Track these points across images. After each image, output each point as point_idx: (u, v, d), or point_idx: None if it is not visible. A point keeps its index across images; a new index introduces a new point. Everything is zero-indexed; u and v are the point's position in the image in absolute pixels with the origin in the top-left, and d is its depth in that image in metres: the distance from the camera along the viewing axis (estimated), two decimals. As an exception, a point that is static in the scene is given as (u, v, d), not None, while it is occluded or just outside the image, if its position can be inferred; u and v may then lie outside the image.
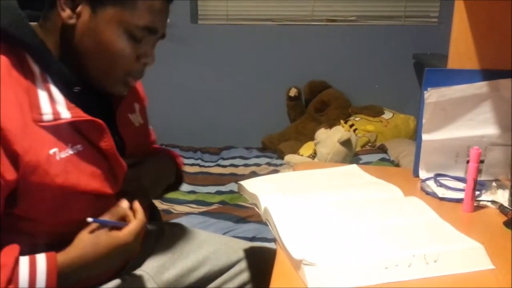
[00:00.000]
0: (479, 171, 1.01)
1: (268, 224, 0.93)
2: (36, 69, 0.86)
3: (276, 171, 2.56)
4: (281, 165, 2.71)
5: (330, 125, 2.75)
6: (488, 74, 1.13)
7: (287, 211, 0.93)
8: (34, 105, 0.83)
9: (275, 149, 2.97)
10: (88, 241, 0.86)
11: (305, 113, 3.11)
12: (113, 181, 0.95)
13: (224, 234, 1.80)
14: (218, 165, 2.81)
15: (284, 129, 3.13)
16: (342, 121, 2.89)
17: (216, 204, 2.23)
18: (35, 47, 0.86)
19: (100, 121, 0.90)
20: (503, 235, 0.91)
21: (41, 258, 0.82)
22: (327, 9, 3.14)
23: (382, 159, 2.50)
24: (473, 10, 1.15)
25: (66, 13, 0.87)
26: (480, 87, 1.13)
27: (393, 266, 0.75)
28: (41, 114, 0.84)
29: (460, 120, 1.15)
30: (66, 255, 0.84)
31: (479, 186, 1.06)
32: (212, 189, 2.43)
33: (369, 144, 2.73)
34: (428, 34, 2.98)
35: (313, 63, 3.11)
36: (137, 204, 0.93)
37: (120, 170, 0.96)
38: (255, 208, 1.03)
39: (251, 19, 3.19)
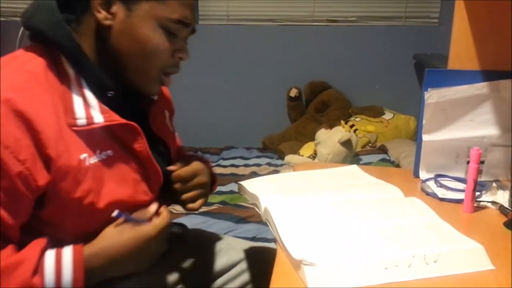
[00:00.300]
0: (479, 172, 1.01)
1: (268, 224, 0.93)
2: (71, 72, 0.86)
3: (276, 172, 2.57)
4: (281, 165, 2.71)
5: (331, 126, 2.75)
6: (489, 75, 1.13)
7: (287, 211, 0.93)
8: (69, 109, 0.83)
9: (275, 150, 2.97)
10: (112, 233, 0.86)
11: (305, 114, 3.11)
12: (147, 188, 0.94)
13: (224, 234, 1.80)
14: (219, 165, 2.81)
15: (284, 129, 3.13)
16: (342, 122, 2.89)
17: (216, 204, 2.23)
18: (71, 51, 0.86)
19: (134, 124, 0.90)
20: (503, 236, 0.91)
21: (67, 250, 0.82)
22: (328, 10, 3.14)
23: (383, 160, 2.50)
24: (473, 11, 1.15)
25: (102, 14, 0.87)
26: (480, 87, 1.13)
27: (393, 266, 0.75)
28: (75, 119, 0.84)
29: (460, 121, 1.15)
30: (91, 247, 0.84)
31: (479, 186, 1.06)
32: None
33: (370, 144, 2.73)
34: (429, 35, 2.98)
35: (314, 63, 3.11)
36: (163, 208, 0.93)
37: (156, 175, 0.96)
38: (255, 208, 1.03)
39: (252, 19, 3.20)
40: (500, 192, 1.09)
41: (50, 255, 0.80)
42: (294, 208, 0.95)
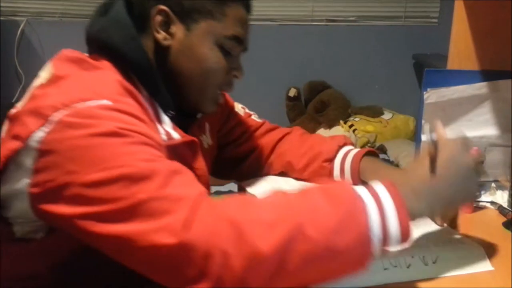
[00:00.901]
0: (478, 172, 1.01)
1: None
2: (143, 89, 0.86)
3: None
4: (280, 165, 2.71)
5: (330, 126, 2.76)
6: (488, 74, 1.13)
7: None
8: (151, 119, 0.83)
9: (274, 149, 2.96)
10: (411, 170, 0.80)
11: (304, 114, 3.11)
12: None
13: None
14: (218, 165, 2.81)
15: (283, 129, 3.13)
16: (341, 122, 2.89)
17: (215, 204, 2.23)
18: (145, 69, 0.86)
19: (195, 139, 0.91)
20: (502, 237, 0.91)
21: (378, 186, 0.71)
22: (327, 9, 3.14)
23: (382, 160, 2.50)
24: (473, 11, 1.15)
25: (161, 35, 0.88)
26: (479, 87, 1.13)
27: (392, 267, 0.75)
28: (158, 132, 0.83)
29: (459, 121, 1.15)
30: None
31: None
32: (211, 189, 2.43)
33: (369, 144, 2.73)
34: (428, 35, 2.98)
35: (313, 63, 3.11)
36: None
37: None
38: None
39: (251, 18, 3.19)
40: (499, 192, 1.09)
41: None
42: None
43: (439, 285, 0.74)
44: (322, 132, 2.59)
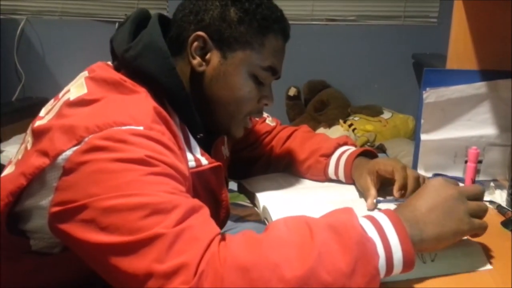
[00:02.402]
0: (477, 171, 1.02)
1: (267, 223, 0.93)
2: (175, 117, 0.86)
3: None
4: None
5: (329, 125, 2.76)
6: (487, 74, 1.13)
7: (286, 210, 0.93)
8: (181, 146, 0.83)
9: (274, 148, 2.96)
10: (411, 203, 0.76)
11: (304, 113, 3.11)
12: None
13: (222, 233, 1.80)
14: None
15: (283, 128, 3.12)
16: (341, 121, 2.90)
17: (214, 203, 2.23)
18: (181, 99, 0.86)
19: (220, 164, 0.91)
20: (500, 236, 0.91)
21: (379, 215, 0.72)
22: (327, 9, 3.14)
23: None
24: (472, 11, 1.15)
25: (197, 60, 0.88)
26: (478, 87, 1.13)
27: (391, 265, 0.75)
28: (186, 159, 0.84)
29: (458, 120, 1.16)
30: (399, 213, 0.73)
31: (477, 186, 1.06)
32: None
33: (368, 143, 2.73)
34: (428, 34, 2.98)
35: (313, 62, 3.11)
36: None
37: (225, 217, 0.99)
38: (254, 207, 1.03)
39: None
40: (498, 191, 1.09)
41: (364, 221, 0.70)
42: (293, 206, 0.95)
43: (437, 284, 0.74)
44: (321, 131, 2.60)
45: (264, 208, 0.95)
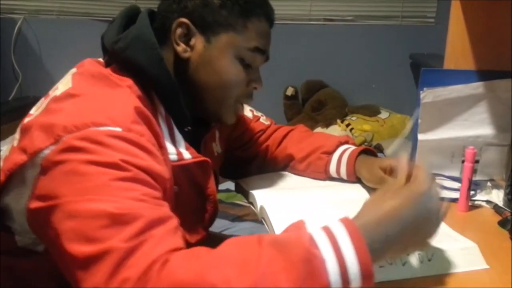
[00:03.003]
0: (474, 171, 1.02)
1: (264, 222, 0.93)
2: (161, 108, 0.86)
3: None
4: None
5: (327, 125, 2.76)
6: (484, 74, 1.14)
7: (284, 210, 0.93)
8: (161, 144, 0.82)
9: (271, 148, 2.97)
10: (370, 204, 0.71)
11: (302, 113, 3.11)
12: (200, 225, 0.95)
13: (220, 232, 1.81)
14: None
15: (280, 128, 3.13)
16: (338, 121, 2.90)
17: (212, 203, 2.23)
18: (168, 90, 0.86)
19: (207, 160, 0.91)
20: (497, 235, 0.91)
21: (334, 224, 0.66)
22: (325, 9, 3.14)
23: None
24: (469, 11, 1.15)
25: (181, 47, 0.88)
26: (476, 87, 1.14)
27: (387, 264, 0.75)
28: (167, 154, 0.83)
29: (456, 120, 1.16)
30: (357, 220, 0.67)
31: (474, 186, 1.06)
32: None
33: (366, 143, 2.74)
34: (425, 34, 2.99)
35: (310, 62, 3.11)
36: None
37: (213, 212, 0.97)
38: (252, 206, 1.03)
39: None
40: (494, 191, 1.09)
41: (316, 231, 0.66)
42: (290, 206, 0.95)
43: (434, 283, 0.74)
44: (319, 131, 2.60)
45: (262, 208, 0.95)
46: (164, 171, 0.77)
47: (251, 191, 1.04)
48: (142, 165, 0.71)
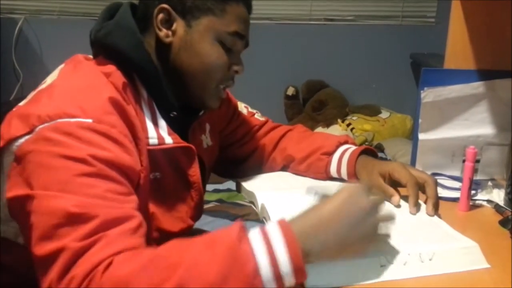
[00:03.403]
0: (475, 171, 1.02)
1: (265, 222, 0.93)
2: (144, 92, 0.88)
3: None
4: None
5: (328, 124, 2.76)
6: (485, 74, 1.14)
7: (285, 209, 0.93)
8: (143, 128, 0.84)
9: (272, 148, 2.96)
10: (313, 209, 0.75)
11: (302, 112, 3.11)
12: (185, 214, 0.95)
13: (203, 229, 1.81)
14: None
15: (281, 128, 3.12)
16: (339, 120, 2.90)
17: (213, 202, 2.23)
18: (149, 73, 0.88)
19: (191, 146, 0.92)
20: (498, 234, 0.91)
21: (271, 226, 0.69)
22: (325, 9, 3.14)
23: (379, 158, 2.50)
24: (470, 11, 1.15)
25: (163, 32, 0.90)
26: (476, 87, 1.14)
27: (388, 264, 0.75)
28: (147, 138, 0.85)
29: (456, 120, 1.16)
30: (295, 224, 0.71)
31: (475, 185, 1.06)
32: (210, 187, 2.42)
33: (366, 143, 2.74)
34: (426, 34, 2.99)
35: (311, 62, 3.11)
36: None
37: (199, 200, 0.97)
38: (253, 206, 1.03)
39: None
40: (495, 190, 1.09)
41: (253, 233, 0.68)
42: (291, 205, 0.95)
43: (435, 283, 0.75)
44: (320, 131, 2.60)
45: (263, 207, 0.95)
46: (134, 162, 0.78)
47: (251, 191, 1.04)
48: (109, 158, 0.73)
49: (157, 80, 0.89)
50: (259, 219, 0.98)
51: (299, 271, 0.66)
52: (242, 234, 0.67)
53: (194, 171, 0.95)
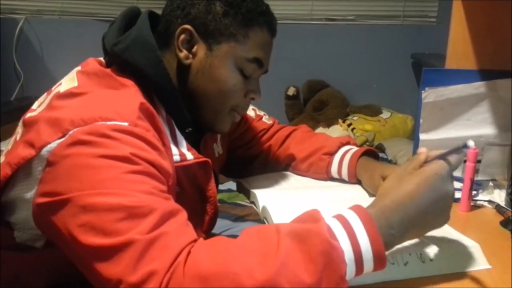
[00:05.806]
0: (476, 171, 1.02)
1: (266, 222, 0.93)
2: (162, 109, 0.87)
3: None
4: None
5: (328, 125, 2.75)
6: (486, 74, 1.14)
7: (286, 210, 0.93)
8: (165, 143, 0.83)
9: (273, 148, 2.96)
10: (389, 187, 0.74)
11: (303, 112, 3.11)
12: (199, 228, 0.94)
13: (221, 232, 1.80)
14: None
15: (282, 128, 3.12)
16: (340, 121, 2.90)
17: (214, 203, 2.23)
18: (168, 92, 0.87)
19: (208, 160, 0.91)
20: (499, 235, 0.91)
21: (348, 212, 0.69)
22: (326, 8, 3.14)
23: (380, 159, 2.50)
24: (471, 10, 1.15)
25: (183, 53, 0.89)
26: (477, 87, 1.14)
27: (389, 264, 0.75)
28: (171, 155, 0.84)
29: (457, 120, 1.16)
30: (373, 208, 0.70)
31: (476, 185, 1.06)
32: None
33: (367, 143, 2.73)
34: (427, 34, 2.98)
35: (312, 62, 3.11)
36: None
37: (213, 214, 0.97)
38: (253, 206, 1.03)
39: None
40: (496, 191, 1.09)
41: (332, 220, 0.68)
42: (292, 206, 0.95)
43: (436, 283, 0.74)
44: (320, 131, 2.60)
45: (264, 208, 0.95)
46: (168, 166, 0.77)
47: (253, 191, 1.04)
48: (150, 159, 0.72)
49: (175, 98, 0.88)
50: (260, 219, 0.98)
51: (379, 266, 0.67)
52: (332, 234, 0.65)
53: (211, 186, 0.95)
